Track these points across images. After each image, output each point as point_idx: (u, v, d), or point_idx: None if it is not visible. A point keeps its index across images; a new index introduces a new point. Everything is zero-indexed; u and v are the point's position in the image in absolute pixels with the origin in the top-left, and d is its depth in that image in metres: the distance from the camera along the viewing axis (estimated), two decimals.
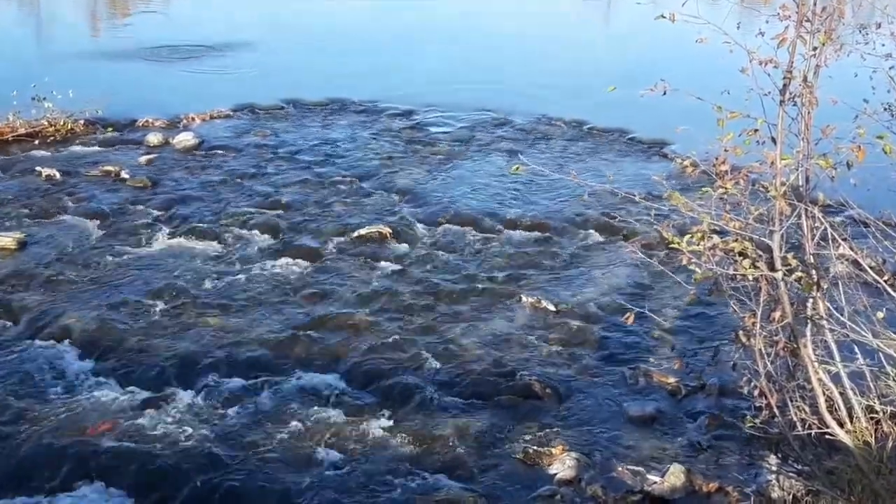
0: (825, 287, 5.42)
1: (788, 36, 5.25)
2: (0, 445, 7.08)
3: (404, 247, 11.19)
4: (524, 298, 9.72)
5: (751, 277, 5.37)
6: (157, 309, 9.37)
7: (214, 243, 11.14)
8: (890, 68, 5.84)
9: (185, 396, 7.81)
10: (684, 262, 5.40)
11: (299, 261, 10.65)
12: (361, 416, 7.58)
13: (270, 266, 10.52)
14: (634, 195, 6.47)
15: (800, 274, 5.24)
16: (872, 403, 5.66)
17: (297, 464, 6.98)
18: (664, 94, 5.51)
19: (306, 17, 28.53)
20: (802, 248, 5.43)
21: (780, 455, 6.17)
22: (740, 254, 5.32)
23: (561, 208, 12.54)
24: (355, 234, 11.46)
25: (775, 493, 6.22)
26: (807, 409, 5.54)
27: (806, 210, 5.34)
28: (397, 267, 10.57)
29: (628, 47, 25.12)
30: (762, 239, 5.34)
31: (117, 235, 11.27)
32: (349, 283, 10.11)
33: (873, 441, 5.43)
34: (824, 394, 5.42)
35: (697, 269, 5.37)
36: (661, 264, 8.33)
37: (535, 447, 7.21)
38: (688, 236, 5.32)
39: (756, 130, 5.31)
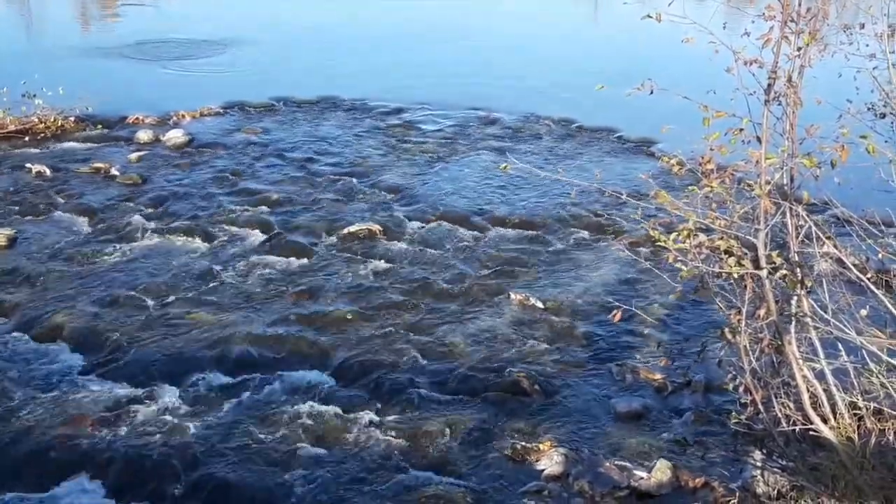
0: (809, 285, 5.45)
1: (773, 36, 5.28)
2: None
3: (394, 244, 11.23)
4: (512, 295, 9.77)
5: (736, 275, 5.40)
6: (147, 305, 9.39)
7: (204, 240, 11.16)
8: (873, 69, 5.87)
9: (173, 392, 7.84)
10: (671, 259, 5.43)
11: (289, 258, 10.68)
12: (349, 412, 7.61)
13: (260, 263, 10.54)
14: (621, 193, 6.50)
15: (784, 272, 5.27)
16: (856, 400, 5.70)
17: (285, 460, 7.00)
18: (651, 93, 5.55)
19: (297, 15, 28.49)
20: (787, 247, 5.47)
21: (764, 451, 6.20)
22: (726, 252, 5.35)
23: (549, 206, 12.58)
24: (345, 231, 11.50)
25: (760, 489, 6.26)
26: (791, 405, 5.57)
27: (790, 208, 5.38)
28: (386, 264, 10.61)
29: (616, 47, 25.17)
30: (747, 237, 5.37)
31: (107, 232, 11.29)
32: (338, 281, 10.15)
33: (856, 437, 5.47)
34: (808, 390, 5.46)
35: (683, 267, 5.40)
36: (648, 262, 8.38)
37: (522, 443, 7.24)
38: (674, 234, 5.35)
39: (741, 130, 5.34)
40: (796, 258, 5.43)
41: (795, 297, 5.47)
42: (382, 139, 15.84)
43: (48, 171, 13.26)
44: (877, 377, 5.63)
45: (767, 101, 5.35)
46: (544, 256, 10.99)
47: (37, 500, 6.53)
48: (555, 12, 32.74)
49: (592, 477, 6.81)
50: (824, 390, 5.59)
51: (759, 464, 6.36)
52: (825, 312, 5.38)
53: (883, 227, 5.67)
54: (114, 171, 13.45)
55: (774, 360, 5.83)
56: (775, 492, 6.12)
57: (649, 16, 5.52)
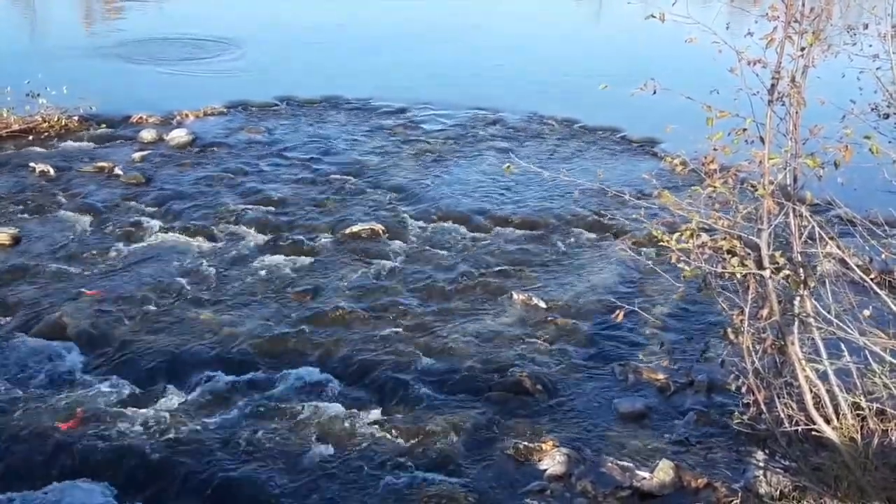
0: (812, 285, 5.46)
1: (777, 36, 5.29)
2: None
3: (397, 244, 11.23)
4: (515, 295, 9.77)
5: (739, 275, 5.41)
6: (151, 304, 9.39)
7: (207, 240, 11.17)
8: (877, 69, 5.89)
9: (176, 391, 7.84)
10: (674, 259, 5.44)
11: (292, 257, 10.69)
12: (352, 411, 7.61)
13: (263, 262, 10.55)
14: (625, 193, 6.50)
15: (787, 272, 5.27)
16: (858, 400, 5.71)
17: (288, 459, 7.01)
18: (654, 93, 5.56)
19: (298, 15, 28.48)
20: (790, 247, 5.48)
21: (767, 451, 6.21)
22: (729, 252, 5.36)
23: (552, 206, 12.58)
24: (348, 230, 11.50)
25: (763, 489, 6.26)
26: (794, 405, 5.58)
27: (794, 209, 5.38)
28: (390, 264, 10.61)
29: (619, 47, 25.16)
30: (750, 237, 5.37)
31: (111, 231, 11.30)
32: (341, 280, 10.15)
33: (859, 437, 5.48)
34: (811, 391, 5.47)
35: (686, 267, 5.41)
36: (651, 262, 8.38)
37: (525, 443, 7.24)
38: (677, 234, 5.36)
39: (745, 130, 5.35)
40: (799, 258, 5.44)
41: (798, 298, 5.48)
42: (385, 139, 15.84)
43: (52, 171, 13.27)
44: (880, 378, 5.63)
45: (771, 101, 5.35)
46: (547, 256, 11.00)
47: (39, 499, 6.53)
48: (557, 12, 32.70)
49: (595, 477, 6.82)
50: (827, 391, 5.60)
51: (761, 464, 6.37)
52: (828, 313, 5.38)
53: (886, 228, 5.69)
54: (117, 171, 13.45)
55: (777, 360, 5.85)
56: (778, 492, 6.12)
57: (653, 16, 5.52)
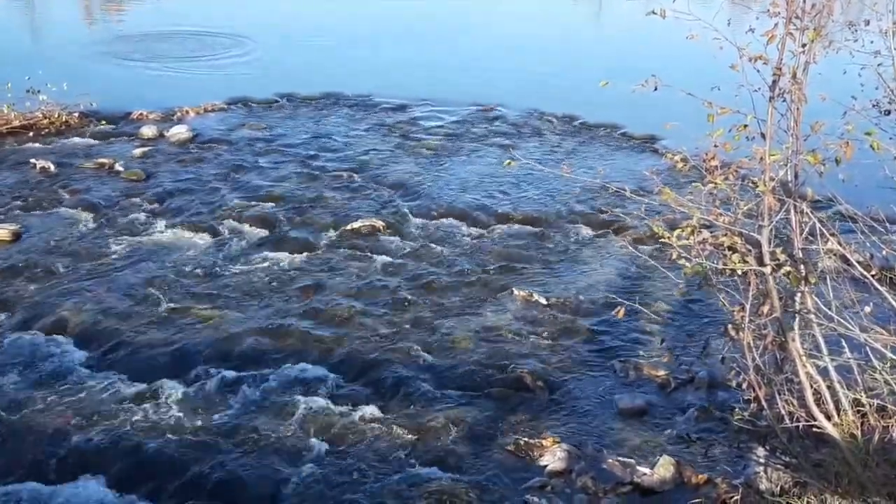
0: (813, 282, 5.45)
1: (778, 33, 5.28)
2: None
3: (397, 240, 11.23)
4: (516, 292, 9.77)
5: (740, 272, 5.40)
6: (151, 300, 9.40)
7: (208, 236, 11.18)
8: (878, 65, 5.88)
9: (177, 387, 7.84)
10: (674, 256, 5.44)
11: (293, 254, 10.70)
12: (353, 407, 7.62)
13: (264, 259, 10.56)
14: (625, 190, 6.50)
15: (788, 268, 5.27)
16: (859, 397, 5.70)
17: (289, 455, 7.01)
18: (655, 89, 5.55)
19: (298, 12, 28.48)
20: (791, 243, 5.47)
21: (768, 447, 6.21)
22: (729, 248, 5.35)
23: (552, 202, 12.59)
24: (349, 227, 11.51)
25: (763, 485, 6.26)
26: (794, 402, 5.58)
27: (794, 205, 5.38)
28: (390, 260, 10.62)
29: (620, 44, 25.17)
30: (751, 234, 5.37)
31: (111, 227, 11.31)
32: (342, 276, 10.15)
33: (860, 434, 5.47)
34: (812, 387, 5.46)
35: (687, 264, 5.41)
36: (652, 259, 8.39)
37: (526, 439, 7.25)
38: (678, 231, 5.35)
39: (745, 126, 5.34)
40: (800, 255, 5.44)
41: (799, 294, 5.48)
42: (386, 135, 15.85)
43: (52, 167, 13.28)
44: (880, 374, 5.62)
45: (772, 97, 5.35)
46: (548, 253, 11.00)
47: (40, 495, 6.52)
48: (557, 11, 32.71)
49: (595, 473, 6.82)
50: (828, 387, 5.60)
51: (762, 460, 6.36)
52: (829, 309, 5.38)
53: (887, 224, 5.69)
54: (118, 167, 13.47)
55: (778, 356, 5.84)
56: (778, 488, 6.11)
57: (654, 12, 5.52)
